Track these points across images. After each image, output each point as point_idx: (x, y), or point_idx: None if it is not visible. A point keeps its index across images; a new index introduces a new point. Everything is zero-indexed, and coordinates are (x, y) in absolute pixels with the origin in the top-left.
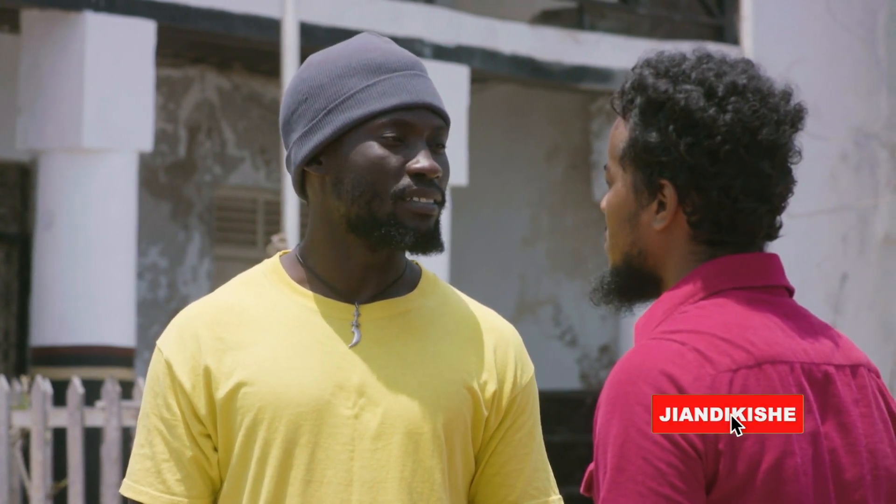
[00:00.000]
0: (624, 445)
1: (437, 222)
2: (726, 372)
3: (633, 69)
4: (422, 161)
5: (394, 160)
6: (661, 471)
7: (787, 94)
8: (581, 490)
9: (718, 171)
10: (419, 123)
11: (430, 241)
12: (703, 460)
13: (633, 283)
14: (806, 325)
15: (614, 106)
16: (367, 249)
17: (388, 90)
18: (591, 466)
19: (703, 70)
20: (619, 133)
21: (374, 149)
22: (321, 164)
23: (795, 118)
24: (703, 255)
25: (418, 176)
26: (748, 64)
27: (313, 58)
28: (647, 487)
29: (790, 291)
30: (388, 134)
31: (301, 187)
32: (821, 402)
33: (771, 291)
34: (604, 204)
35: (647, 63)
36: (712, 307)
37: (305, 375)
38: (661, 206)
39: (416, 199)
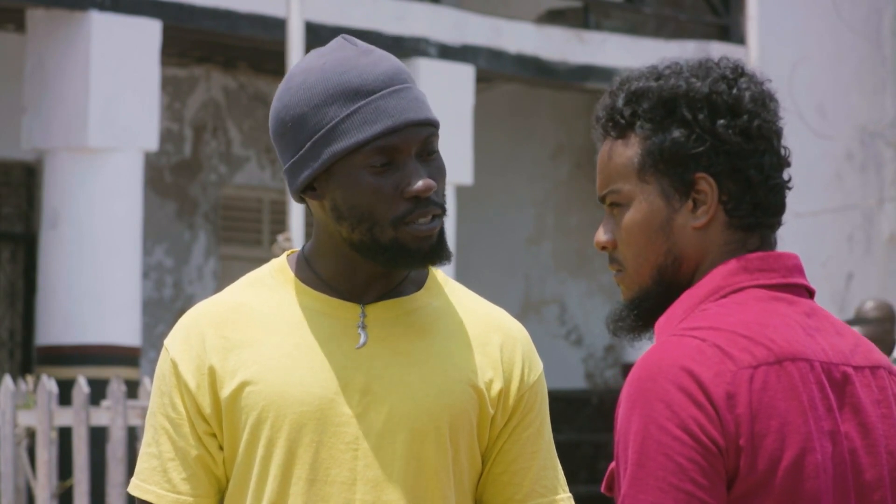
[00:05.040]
0: (644, 441)
1: (442, 233)
2: (747, 368)
3: (609, 93)
4: (414, 183)
5: (386, 186)
6: (682, 466)
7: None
8: (602, 489)
9: (753, 147)
10: (405, 144)
11: (436, 256)
12: (723, 456)
13: (664, 299)
14: (825, 325)
15: (608, 131)
16: (372, 262)
17: (368, 118)
18: (613, 465)
19: (690, 66)
20: (623, 152)
21: (365, 178)
22: (316, 191)
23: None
24: (736, 243)
25: (415, 197)
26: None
27: (292, 77)
28: (668, 483)
29: (811, 292)
30: (376, 161)
31: (302, 200)
32: (839, 402)
33: (791, 290)
34: (621, 230)
35: (628, 79)
36: (732, 305)
37: (309, 375)
38: (696, 203)
39: (417, 223)
